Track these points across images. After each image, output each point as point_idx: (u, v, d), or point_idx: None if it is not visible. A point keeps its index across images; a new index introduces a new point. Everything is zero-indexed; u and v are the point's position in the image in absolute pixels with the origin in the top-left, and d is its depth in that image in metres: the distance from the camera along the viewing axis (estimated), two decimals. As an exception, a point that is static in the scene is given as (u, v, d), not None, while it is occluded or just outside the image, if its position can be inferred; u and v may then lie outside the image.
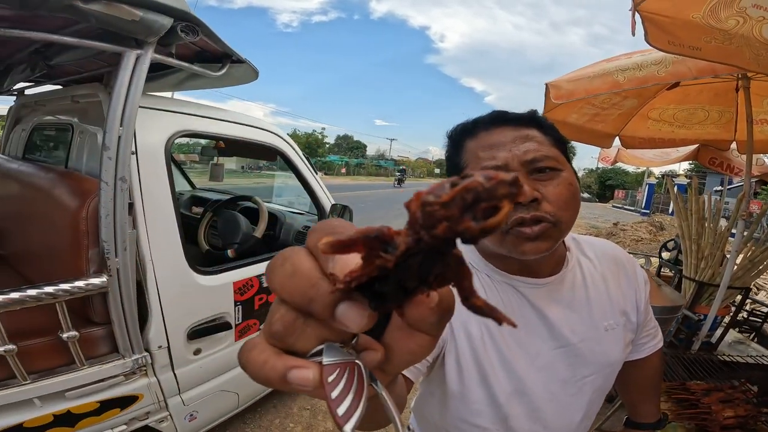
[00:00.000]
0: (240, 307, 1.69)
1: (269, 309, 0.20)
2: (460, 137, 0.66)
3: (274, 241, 2.24)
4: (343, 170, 40.42)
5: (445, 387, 0.65)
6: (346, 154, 52.26)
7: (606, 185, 42.18)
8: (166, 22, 1.09)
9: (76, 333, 1.15)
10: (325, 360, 0.19)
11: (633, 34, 1.33)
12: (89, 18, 0.96)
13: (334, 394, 0.18)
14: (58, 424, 1.20)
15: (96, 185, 1.14)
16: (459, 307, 0.45)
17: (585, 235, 0.80)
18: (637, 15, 1.28)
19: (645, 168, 18.92)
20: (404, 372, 0.54)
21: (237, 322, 1.70)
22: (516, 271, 0.66)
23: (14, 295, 1.01)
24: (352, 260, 0.17)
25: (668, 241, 2.89)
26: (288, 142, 2.03)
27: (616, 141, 3.40)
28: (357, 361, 0.20)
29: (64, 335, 1.13)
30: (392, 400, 0.21)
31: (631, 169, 36.63)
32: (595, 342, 0.66)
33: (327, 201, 2.23)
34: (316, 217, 2.30)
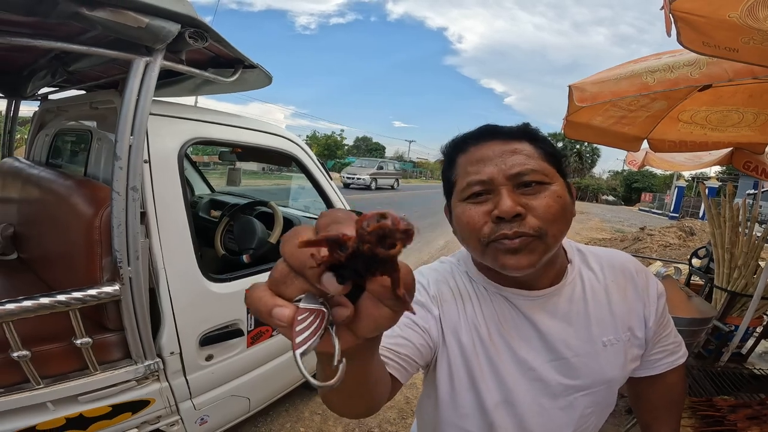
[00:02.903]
0: (252, 314, 1.68)
1: (274, 265, 0.27)
2: (452, 152, 0.67)
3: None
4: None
5: (439, 391, 0.68)
6: (365, 156, 52.53)
7: (632, 188, 40.87)
8: (174, 28, 1.09)
9: (89, 339, 1.16)
10: (301, 304, 0.26)
11: (668, 35, 1.26)
12: (95, 25, 0.97)
13: (299, 328, 0.25)
14: (70, 427, 1.21)
15: (109, 193, 1.15)
16: (451, 315, 0.63)
17: (608, 239, 0.78)
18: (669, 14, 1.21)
19: (673, 171, 18.29)
20: (392, 372, 0.58)
21: (249, 329, 1.70)
22: (509, 283, 0.66)
23: (27, 303, 1.02)
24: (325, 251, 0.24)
25: (699, 249, 2.76)
26: (302, 147, 2.02)
27: (644, 144, 3.30)
28: (324, 309, 0.26)
29: (78, 341, 1.14)
30: (340, 348, 0.27)
31: (659, 171, 35.49)
32: (591, 357, 0.65)
33: (341, 206, 2.21)
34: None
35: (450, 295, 0.68)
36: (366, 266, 0.24)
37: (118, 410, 1.30)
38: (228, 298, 1.58)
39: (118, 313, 1.24)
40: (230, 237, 2.30)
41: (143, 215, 1.23)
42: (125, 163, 1.09)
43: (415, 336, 0.63)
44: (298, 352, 0.24)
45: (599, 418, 0.71)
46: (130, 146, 1.10)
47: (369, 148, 57.14)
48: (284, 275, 0.26)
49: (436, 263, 0.76)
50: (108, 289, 1.16)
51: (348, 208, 2.21)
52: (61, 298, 1.07)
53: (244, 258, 1.96)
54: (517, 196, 0.58)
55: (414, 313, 0.34)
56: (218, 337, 1.56)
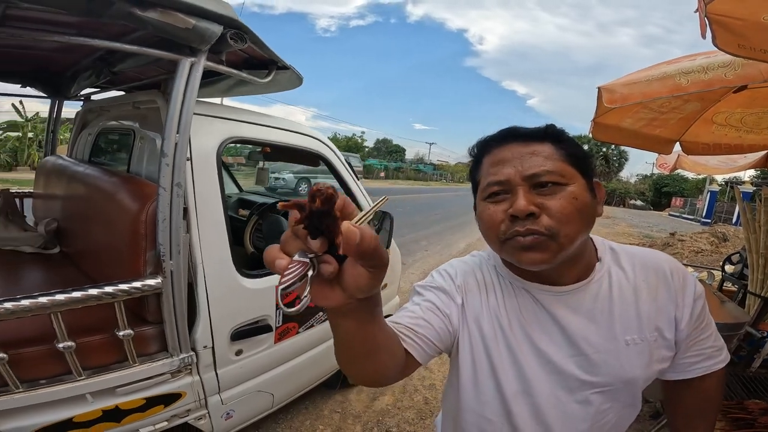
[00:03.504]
0: (281, 310, 1.71)
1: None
2: (478, 154, 0.71)
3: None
4: (382, 174, 40.65)
5: (461, 378, 0.72)
6: (385, 158, 52.52)
7: (662, 192, 39.55)
8: (217, 29, 1.12)
9: (131, 331, 1.19)
10: (294, 257, 0.35)
11: (703, 37, 1.24)
12: (147, 25, 1.00)
13: (286, 272, 0.33)
14: (105, 419, 1.24)
15: (154, 190, 1.19)
16: (474, 305, 0.72)
17: (635, 245, 0.77)
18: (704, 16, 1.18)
19: (706, 174, 17.62)
20: (408, 349, 0.64)
21: (277, 325, 1.72)
22: (532, 278, 0.69)
23: (77, 294, 1.06)
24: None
25: (733, 254, 2.67)
26: (330, 148, 2.05)
27: (676, 147, 3.21)
28: (308, 262, 0.34)
29: (120, 333, 1.17)
30: (309, 284, 0.34)
31: (690, 175, 34.19)
32: (612, 355, 0.65)
33: (367, 206, 2.23)
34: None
35: (475, 286, 0.73)
36: (321, 222, 0.34)
37: (151, 403, 1.33)
38: (258, 293, 1.60)
39: (158, 305, 1.27)
40: (258, 235, 2.35)
41: (185, 211, 1.26)
42: (171, 160, 1.13)
43: (436, 319, 0.69)
44: (280, 288, 0.33)
45: (620, 418, 0.70)
46: (176, 144, 1.13)
47: (389, 150, 57.21)
48: (287, 237, 0.36)
49: (467, 256, 0.81)
50: (151, 281, 1.18)
51: (372, 206, 2.22)
52: (108, 289, 1.11)
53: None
54: (532, 196, 0.61)
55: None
56: (248, 332, 1.58)
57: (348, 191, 2.14)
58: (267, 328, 1.66)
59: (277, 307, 1.69)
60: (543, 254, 0.60)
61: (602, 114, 2.54)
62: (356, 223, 0.35)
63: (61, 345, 1.09)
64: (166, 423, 1.40)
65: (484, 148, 0.70)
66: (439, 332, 0.68)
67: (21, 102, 16.52)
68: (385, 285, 2.51)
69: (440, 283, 0.74)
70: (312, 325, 1.92)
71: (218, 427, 1.56)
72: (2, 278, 1.66)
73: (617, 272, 0.70)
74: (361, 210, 0.39)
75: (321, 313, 1.94)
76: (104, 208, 1.50)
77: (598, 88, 2.28)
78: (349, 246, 0.34)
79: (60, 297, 1.04)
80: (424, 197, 20.11)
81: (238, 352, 1.59)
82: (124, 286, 1.14)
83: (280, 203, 0.37)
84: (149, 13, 0.98)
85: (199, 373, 1.45)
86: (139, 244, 1.25)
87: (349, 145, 42.09)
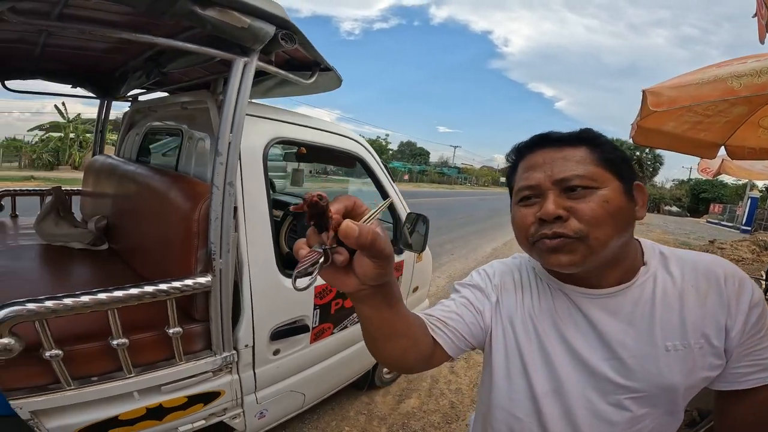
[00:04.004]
0: (318, 310, 1.71)
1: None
2: (514, 159, 0.74)
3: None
4: (406, 177, 40.63)
5: (493, 375, 0.74)
6: (409, 161, 52.48)
7: (699, 198, 37.90)
8: (270, 29, 1.13)
9: (180, 329, 1.20)
10: (313, 248, 0.42)
11: (762, 42, 1.20)
12: (206, 24, 1.01)
13: (303, 260, 0.41)
14: (148, 417, 1.24)
15: (206, 189, 1.19)
16: (509, 304, 0.75)
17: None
18: (757, 19, 1.14)
19: (746, 180, 16.80)
20: (437, 338, 0.70)
21: (314, 325, 1.72)
22: (568, 280, 0.70)
23: (134, 291, 1.07)
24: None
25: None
26: (368, 150, 2.05)
27: (720, 151, 3.09)
28: (321, 252, 0.42)
29: (170, 331, 1.18)
30: (319, 269, 0.42)
31: (730, 180, 32.64)
32: (650, 360, 0.64)
33: (403, 210, 2.22)
34: (391, 224, 2.30)
35: (512, 286, 0.77)
36: (321, 220, 0.42)
37: (192, 401, 1.33)
38: (299, 293, 1.57)
39: (206, 303, 1.28)
40: (292, 236, 2.37)
41: (235, 210, 1.27)
42: (225, 159, 1.13)
43: (468, 314, 0.73)
44: (295, 272, 0.40)
45: (658, 426, 0.67)
46: (229, 143, 1.14)
47: (413, 153, 57.17)
48: (309, 233, 0.44)
49: (509, 258, 0.85)
50: (201, 279, 1.19)
51: (408, 211, 2.21)
52: (163, 286, 1.12)
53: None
54: (562, 199, 0.62)
55: (342, 252, 0.45)
56: (287, 331, 1.59)
57: (384, 194, 2.13)
58: (304, 329, 1.67)
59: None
60: (570, 256, 0.61)
61: (646, 116, 2.49)
62: (364, 221, 0.44)
63: (115, 342, 1.10)
64: (203, 421, 1.41)
65: (518, 154, 0.73)
66: (470, 327, 0.73)
67: (63, 103, 17.42)
68: (416, 288, 2.48)
69: (477, 281, 0.79)
70: (346, 326, 1.91)
71: (251, 426, 1.57)
72: (54, 274, 1.72)
73: (664, 277, 0.68)
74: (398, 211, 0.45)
75: (354, 315, 1.94)
76: (155, 206, 1.53)
77: (643, 91, 2.25)
78: (348, 239, 0.42)
79: (118, 293, 1.05)
80: (449, 201, 19.98)
81: (276, 352, 1.59)
82: (177, 284, 1.15)
83: (292, 206, 0.45)
84: (208, 12, 0.98)
85: (238, 372, 1.46)
86: (191, 242, 1.26)
87: (373, 148, 42.38)
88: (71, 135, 17.31)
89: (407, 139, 63.41)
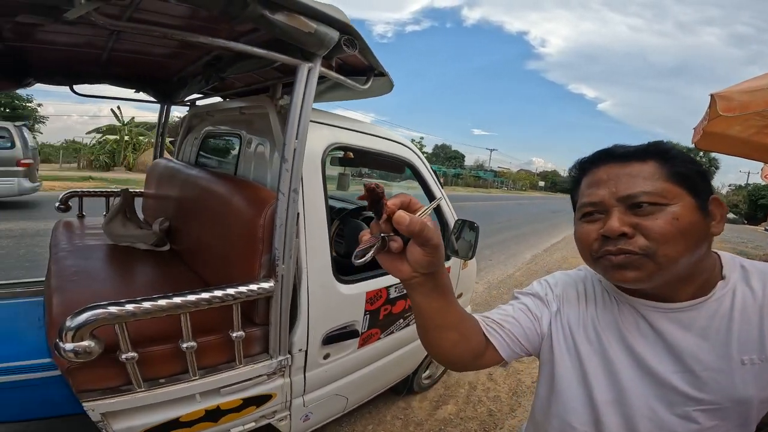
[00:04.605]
0: (368, 316, 1.70)
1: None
2: (577, 175, 0.74)
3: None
4: (441, 180, 40.42)
5: (551, 384, 0.75)
6: (444, 164, 52.04)
7: (758, 205, 35.16)
8: (335, 35, 1.13)
9: (243, 333, 1.22)
10: (372, 235, 0.53)
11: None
12: (275, 28, 1.02)
13: (362, 244, 0.51)
14: (206, 419, 1.26)
15: (269, 195, 1.20)
16: (571, 314, 0.77)
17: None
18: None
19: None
20: (491, 339, 0.73)
21: (363, 330, 1.71)
22: (635, 293, 0.69)
23: (205, 294, 1.10)
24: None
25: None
26: (418, 156, 2.03)
27: None
28: (379, 239, 0.52)
29: (234, 334, 1.21)
30: (374, 251, 0.51)
31: (793, 187, 30.05)
32: (724, 374, 0.63)
33: (451, 216, 2.18)
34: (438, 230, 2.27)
35: (575, 297, 0.77)
36: (376, 206, 0.50)
37: (247, 403, 1.35)
38: (350, 299, 1.60)
39: (267, 308, 1.29)
40: (338, 240, 2.38)
41: (297, 216, 1.27)
42: (290, 166, 1.14)
43: (525, 319, 0.75)
44: (355, 251, 0.50)
45: None
46: (295, 150, 1.14)
47: (448, 156, 56.66)
48: (373, 224, 0.53)
49: (573, 270, 0.84)
50: (265, 285, 1.21)
51: (456, 217, 2.17)
52: (230, 291, 1.14)
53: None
54: (627, 216, 0.62)
55: (399, 238, 0.53)
56: (338, 336, 1.59)
57: (432, 198, 2.10)
58: (354, 334, 1.66)
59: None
60: (636, 272, 0.61)
61: (712, 119, 2.37)
62: (417, 215, 0.51)
63: (185, 345, 1.13)
64: (254, 423, 1.43)
65: (581, 169, 0.72)
66: (526, 332, 0.75)
67: (119, 107, 18.60)
68: (460, 294, 2.45)
69: (537, 290, 0.80)
70: (392, 332, 1.90)
71: (295, 428, 1.58)
72: (122, 274, 1.81)
73: (744, 291, 0.66)
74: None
75: (401, 321, 1.92)
76: (218, 210, 1.57)
77: (712, 96, 2.15)
78: (400, 226, 0.50)
79: (191, 297, 1.08)
80: (485, 205, 19.63)
81: (326, 356, 1.60)
82: (243, 289, 1.17)
83: (358, 196, 0.53)
84: (277, 15, 0.99)
85: (290, 375, 1.47)
86: (256, 247, 1.28)
87: (407, 151, 42.32)
88: (126, 138, 18.42)
89: (442, 142, 63.05)
